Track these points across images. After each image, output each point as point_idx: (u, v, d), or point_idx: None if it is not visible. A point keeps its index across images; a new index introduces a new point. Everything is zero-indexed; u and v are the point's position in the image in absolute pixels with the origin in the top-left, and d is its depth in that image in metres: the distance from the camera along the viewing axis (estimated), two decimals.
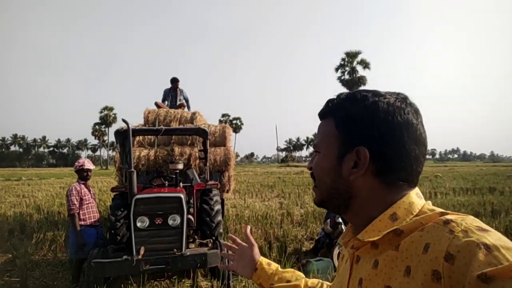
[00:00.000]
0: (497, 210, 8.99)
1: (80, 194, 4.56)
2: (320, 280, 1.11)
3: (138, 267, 3.57)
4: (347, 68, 49.83)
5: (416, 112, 0.74)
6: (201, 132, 5.24)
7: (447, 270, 0.56)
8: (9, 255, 5.69)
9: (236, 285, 3.83)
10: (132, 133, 4.52)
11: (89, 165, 4.79)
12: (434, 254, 0.58)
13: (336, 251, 4.98)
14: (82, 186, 4.67)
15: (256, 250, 1.16)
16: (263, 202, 12.22)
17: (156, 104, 8.03)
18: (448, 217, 0.63)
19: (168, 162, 6.74)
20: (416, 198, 0.72)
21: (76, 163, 4.83)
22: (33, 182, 23.84)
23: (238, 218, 8.16)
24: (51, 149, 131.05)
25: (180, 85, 8.55)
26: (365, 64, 48.58)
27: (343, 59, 49.92)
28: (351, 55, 49.23)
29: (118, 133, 5.01)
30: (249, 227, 1.27)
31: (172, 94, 8.48)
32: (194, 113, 7.73)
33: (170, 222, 3.90)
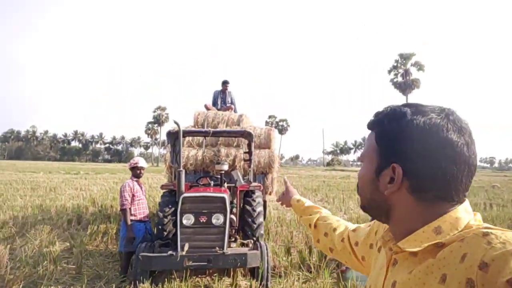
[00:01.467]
0: None
1: (132, 191, 4.83)
2: (347, 225, 1.25)
3: (181, 263, 3.73)
4: (400, 70, 48.40)
5: (460, 130, 0.71)
6: (247, 135, 5.37)
7: (480, 278, 0.57)
8: (67, 244, 6.14)
9: (275, 286, 3.87)
10: (183, 134, 4.74)
11: (142, 163, 5.07)
12: (470, 263, 0.59)
13: None
14: (135, 183, 4.95)
15: (290, 194, 1.57)
16: None
17: (205, 106, 8.32)
18: (489, 230, 0.63)
19: (215, 162, 6.94)
20: (463, 213, 0.71)
21: (131, 161, 5.14)
22: (89, 176, 25.42)
23: (279, 221, 8.19)
24: (107, 145, 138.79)
25: (229, 88, 8.78)
26: (419, 66, 46.81)
27: (396, 61, 48.59)
28: (405, 57, 47.71)
29: (169, 133, 5.27)
30: (285, 177, 1.86)
31: (222, 96, 8.73)
32: (240, 116, 7.92)
33: (214, 221, 4.04)
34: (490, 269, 0.56)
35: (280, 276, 4.71)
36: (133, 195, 4.85)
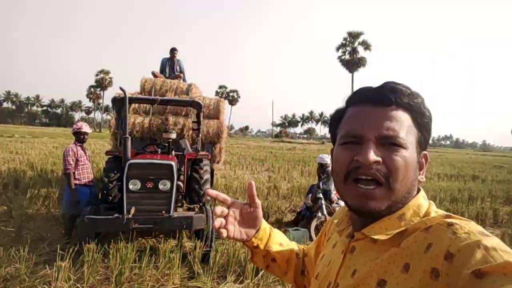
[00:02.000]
0: (473, 196, 9.39)
1: (76, 155, 4.79)
2: (303, 247, 1.11)
3: (127, 225, 3.86)
4: (348, 48, 49.74)
5: None
6: (195, 105, 5.44)
7: (445, 268, 0.57)
8: (4, 207, 5.96)
9: (218, 246, 4.16)
10: (129, 101, 4.71)
11: (86, 128, 5.01)
12: (435, 252, 0.60)
13: (314, 223, 5.34)
14: (79, 147, 4.90)
15: (260, 211, 0.97)
16: (252, 174, 12.57)
17: (153, 73, 8.17)
18: (453, 220, 0.65)
19: (162, 130, 6.97)
20: (422, 200, 0.73)
21: (74, 126, 5.05)
22: (26, 140, 23.97)
23: (226, 188, 8.49)
24: (45, 108, 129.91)
25: (178, 56, 8.66)
26: (366, 45, 48.44)
27: (344, 39, 49.79)
28: (353, 35, 49.00)
29: (115, 100, 5.21)
30: (253, 183, 0.95)
31: (170, 64, 8.60)
32: (190, 85, 7.90)
33: (161, 186, 4.18)
34: (455, 259, 0.57)
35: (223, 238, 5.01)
36: (77, 160, 4.82)
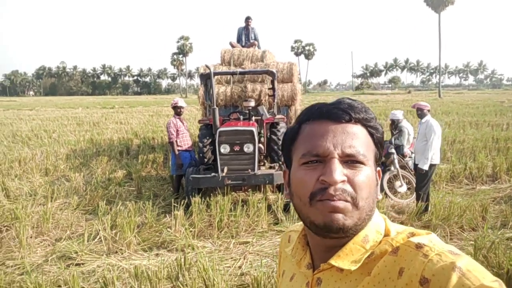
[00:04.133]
0: None
1: (176, 126, 5.79)
2: None
3: (222, 181, 4.78)
4: None
5: None
6: (270, 73, 6.07)
7: None
8: (124, 171, 7.38)
9: None
10: (213, 74, 5.50)
11: (181, 103, 5.96)
12: (409, 278, 0.59)
13: (386, 177, 5.78)
14: (178, 120, 5.89)
15: None
16: None
17: (231, 43, 8.92)
18: (419, 240, 0.63)
19: (242, 97, 7.77)
20: (379, 217, 0.72)
21: (172, 101, 6.05)
22: (125, 110, 26.99)
23: None
24: (135, 78, 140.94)
25: (252, 24, 9.23)
26: None
27: None
28: None
29: (202, 75, 6.07)
30: None
31: (245, 32, 9.24)
32: (264, 52, 8.49)
33: (245, 149, 4.98)
34: (431, 284, 0.56)
35: None
36: (177, 130, 5.82)
